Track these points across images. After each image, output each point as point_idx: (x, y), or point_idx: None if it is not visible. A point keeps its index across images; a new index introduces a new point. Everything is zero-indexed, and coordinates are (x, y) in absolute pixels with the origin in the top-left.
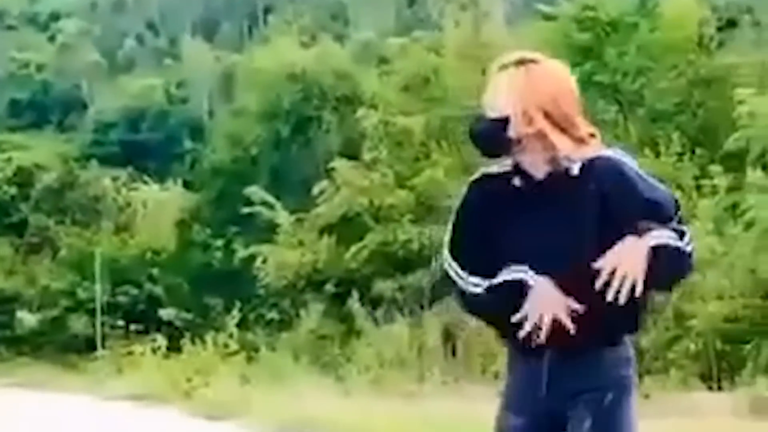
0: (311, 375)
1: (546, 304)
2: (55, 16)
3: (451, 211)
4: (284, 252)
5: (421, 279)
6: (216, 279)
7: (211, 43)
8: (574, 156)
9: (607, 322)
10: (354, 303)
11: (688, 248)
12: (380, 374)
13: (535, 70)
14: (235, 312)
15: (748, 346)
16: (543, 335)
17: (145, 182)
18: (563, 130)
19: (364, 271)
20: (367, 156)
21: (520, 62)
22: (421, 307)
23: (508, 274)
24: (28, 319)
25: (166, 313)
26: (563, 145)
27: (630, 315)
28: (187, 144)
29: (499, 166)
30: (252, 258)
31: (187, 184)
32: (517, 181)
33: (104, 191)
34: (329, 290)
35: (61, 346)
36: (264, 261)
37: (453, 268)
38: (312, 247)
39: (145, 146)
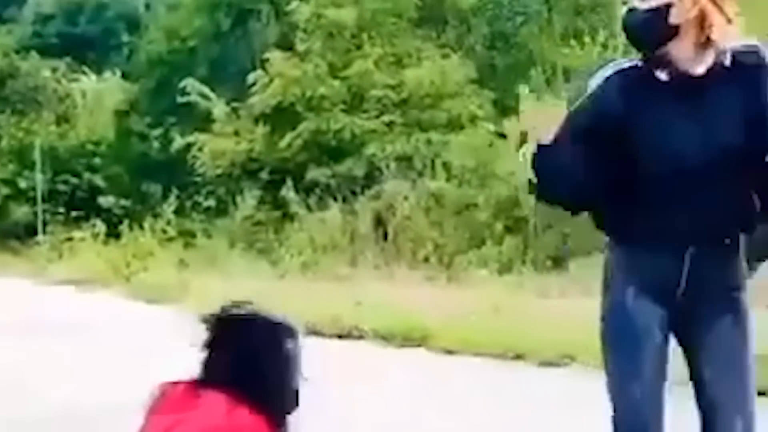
0: (246, 260)
1: None
2: None
3: (381, 100)
4: (220, 141)
5: (352, 167)
6: (154, 168)
7: None
8: (720, 43)
9: (745, 218)
10: (288, 190)
11: None
12: (314, 258)
13: None
14: (173, 199)
15: None
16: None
17: (84, 73)
18: (720, 10)
19: (297, 159)
20: (300, 47)
21: None
22: (354, 194)
23: None
24: None
25: (105, 200)
26: (720, 27)
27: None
28: (125, 36)
29: (632, 60)
30: (189, 147)
31: (125, 76)
32: (663, 75)
33: (44, 82)
34: (264, 178)
35: (2, 233)
36: (200, 149)
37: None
38: (247, 136)
39: (84, 38)
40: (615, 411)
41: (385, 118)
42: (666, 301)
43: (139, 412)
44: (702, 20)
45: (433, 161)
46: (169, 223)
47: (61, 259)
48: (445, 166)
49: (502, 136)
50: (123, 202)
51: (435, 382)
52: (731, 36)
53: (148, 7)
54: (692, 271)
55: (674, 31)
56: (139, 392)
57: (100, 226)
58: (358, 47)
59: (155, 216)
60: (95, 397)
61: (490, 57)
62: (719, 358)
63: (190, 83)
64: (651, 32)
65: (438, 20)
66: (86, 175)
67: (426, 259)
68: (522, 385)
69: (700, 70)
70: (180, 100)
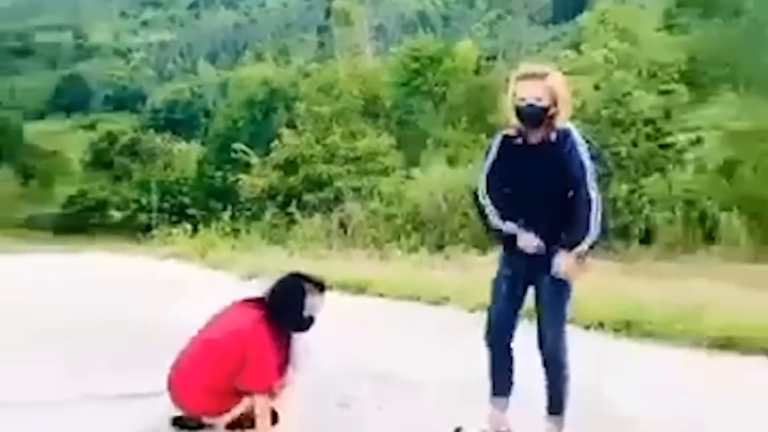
0: (269, 246)
1: (526, 243)
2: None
3: (344, 157)
4: (254, 179)
5: (328, 194)
6: (218, 193)
7: (214, 65)
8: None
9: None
10: (292, 207)
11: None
12: (306, 245)
13: (555, 77)
14: (228, 211)
15: None
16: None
17: (178, 141)
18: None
19: (297, 189)
20: (299, 127)
21: (545, 73)
22: (329, 210)
23: (506, 227)
24: (116, 215)
25: (190, 211)
26: (558, 122)
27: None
28: (203, 119)
29: (507, 129)
30: (237, 181)
31: (203, 143)
32: (519, 141)
33: (157, 145)
34: (279, 199)
35: (133, 230)
36: (243, 183)
37: (487, 205)
38: (269, 176)
39: (179, 121)
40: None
41: (346, 167)
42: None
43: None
44: (552, 117)
45: (371, 191)
46: (225, 225)
47: (167, 245)
48: (380, 194)
49: (411, 177)
50: (201, 212)
51: (370, 315)
52: (555, 127)
53: (215, 104)
54: (534, 255)
55: (543, 117)
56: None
57: (187, 227)
58: (330, 127)
59: (218, 220)
60: (184, 318)
61: (404, 133)
62: (546, 301)
63: (238, 146)
64: (537, 119)
65: (374, 113)
66: (180, 197)
67: (367, 246)
68: (419, 318)
69: (535, 141)
70: (233, 156)
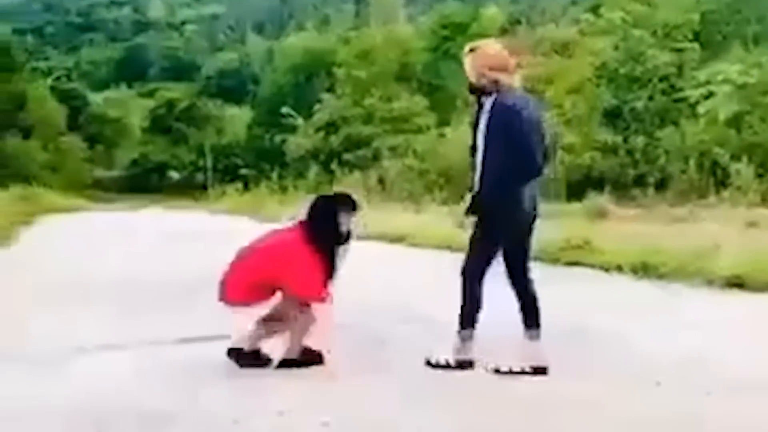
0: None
1: None
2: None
3: (381, 118)
4: (299, 139)
5: (366, 153)
6: (267, 153)
7: (261, 35)
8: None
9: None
10: (335, 165)
11: None
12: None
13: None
14: (276, 170)
15: None
16: None
17: (230, 105)
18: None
19: (338, 149)
20: (338, 91)
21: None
22: (367, 167)
23: None
24: (175, 176)
25: (242, 171)
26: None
27: None
28: (251, 86)
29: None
30: (284, 142)
31: (252, 106)
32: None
33: (210, 110)
34: (321, 158)
35: (191, 188)
36: (289, 144)
37: None
38: (312, 136)
39: (229, 87)
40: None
41: (383, 127)
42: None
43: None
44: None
45: (406, 149)
46: (273, 183)
47: (220, 202)
48: (414, 152)
49: (443, 136)
50: (251, 171)
51: (406, 263)
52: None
53: (263, 69)
54: None
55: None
56: None
57: (239, 185)
58: (368, 90)
59: (268, 178)
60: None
61: (435, 95)
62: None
63: (285, 109)
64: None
65: (409, 76)
66: (232, 158)
67: (403, 199)
68: (451, 265)
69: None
70: (279, 119)
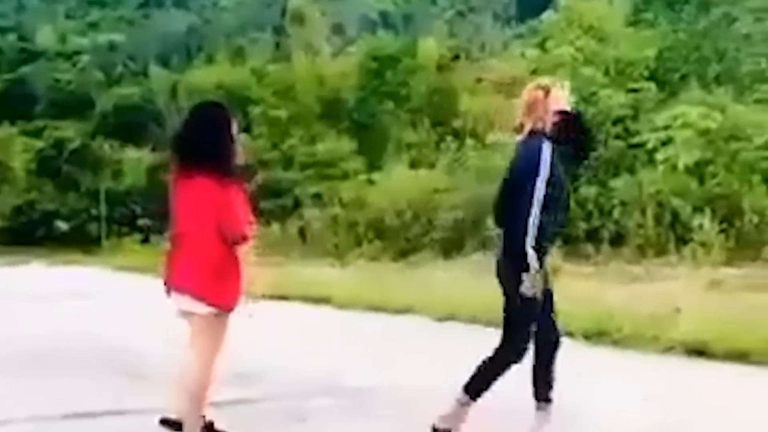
0: None
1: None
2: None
3: (302, 162)
4: None
5: (286, 201)
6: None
7: (165, 68)
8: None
9: None
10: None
11: None
12: (264, 253)
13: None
14: None
15: (468, 236)
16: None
17: (130, 147)
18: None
19: (254, 196)
20: (255, 131)
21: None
22: (287, 217)
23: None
24: (63, 226)
25: (141, 221)
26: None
27: None
28: (152, 127)
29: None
30: None
31: (153, 149)
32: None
33: (105, 153)
34: None
35: (82, 241)
36: None
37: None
38: None
39: (128, 126)
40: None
41: (305, 173)
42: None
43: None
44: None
45: (332, 197)
46: None
47: (115, 256)
48: (340, 200)
49: (372, 182)
50: (153, 222)
51: (332, 327)
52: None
53: (167, 106)
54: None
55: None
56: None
57: (138, 237)
58: (288, 131)
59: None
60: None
61: (364, 136)
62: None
63: None
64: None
65: (333, 115)
66: (130, 206)
67: (327, 254)
68: (383, 328)
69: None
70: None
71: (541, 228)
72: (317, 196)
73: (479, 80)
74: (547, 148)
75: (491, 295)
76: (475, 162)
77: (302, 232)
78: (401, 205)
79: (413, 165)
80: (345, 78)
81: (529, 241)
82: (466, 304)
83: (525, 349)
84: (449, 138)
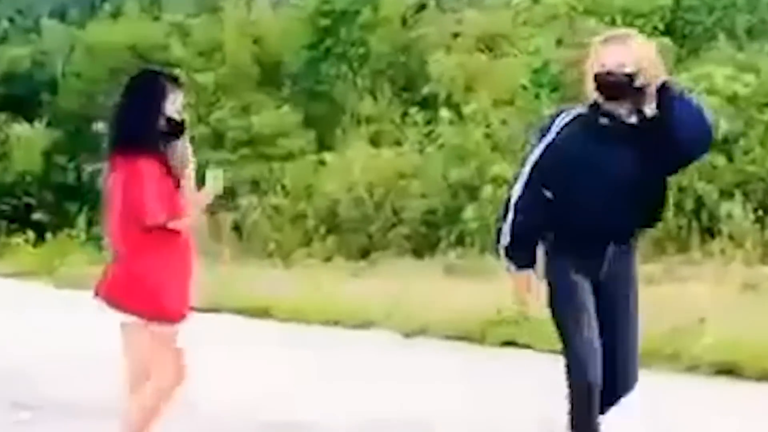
0: None
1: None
2: None
3: (235, 139)
4: None
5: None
6: (72, 189)
7: (63, 22)
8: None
9: (647, 223)
10: None
11: None
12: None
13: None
14: (84, 214)
15: (443, 230)
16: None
17: (19, 123)
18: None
19: None
20: None
21: (627, 35)
22: (221, 208)
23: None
24: None
25: (36, 216)
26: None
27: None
28: (47, 96)
29: (581, 108)
30: (98, 173)
31: (49, 124)
32: (605, 121)
33: None
34: None
35: None
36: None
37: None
38: None
39: (18, 97)
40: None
41: (239, 152)
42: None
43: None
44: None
45: (274, 183)
46: (81, 231)
47: (2, 258)
48: (283, 187)
49: (324, 164)
50: (49, 216)
51: (275, 343)
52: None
53: (64, 74)
54: (612, 261)
55: (636, 92)
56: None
57: (31, 235)
58: (217, 101)
59: (72, 226)
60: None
61: (313, 107)
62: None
63: (99, 127)
64: (621, 89)
65: (273, 81)
66: (21, 198)
67: (269, 254)
68: (338, 347)
69: (633, 120)
70: (91, 141)
71: (544, 222)
72: (254, 182)
73: (455, 36)
74: (561, 121)
75: (472, 303)
76: (451, 138)
77: (237, 227)
78: (360, 191)
79: (374, 142)
80: (288, 35)
81: (503, 238)
82: (441, 315)
83: (578, 369)
84: (418, 108)
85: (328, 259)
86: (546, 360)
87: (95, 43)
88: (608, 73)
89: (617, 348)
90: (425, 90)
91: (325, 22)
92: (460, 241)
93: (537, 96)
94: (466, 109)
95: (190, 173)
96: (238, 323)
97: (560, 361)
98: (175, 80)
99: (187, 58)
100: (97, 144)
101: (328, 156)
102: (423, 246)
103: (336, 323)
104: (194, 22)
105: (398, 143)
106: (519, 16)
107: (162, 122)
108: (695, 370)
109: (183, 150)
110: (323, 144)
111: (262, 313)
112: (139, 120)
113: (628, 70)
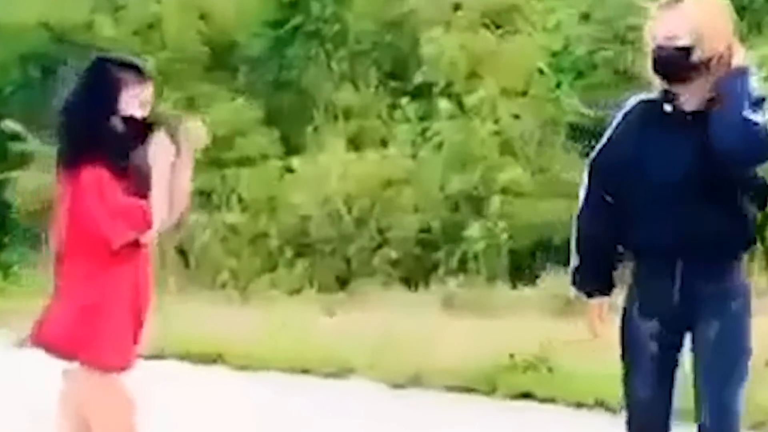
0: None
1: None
2: None
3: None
4: (38, 177)
5: None
6: None
7: None
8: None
9: (731, 234)
10: None
11: None
12: None
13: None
14: None
15: (440, 253)
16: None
17: None
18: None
19: None
20: None
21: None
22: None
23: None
24: None
25: None
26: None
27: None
28: None
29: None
30: (4, 184)
31: None
32: (668, 107)
33: None
34: None
35: None
36: (15, 187)
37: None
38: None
39: None
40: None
41: None
42: (661, 314)
43: None
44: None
45: (228, 195)
46: None
47: None
48: (240, 199)
49: (291, 170)
50: None
51: (229, 397)
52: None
53: None
54: (683, 284)
55: (696, 69)
56: None
57: None
58: (158, 92)
59: None
60: None
61: (278, 99)
62: (707, 363)
63: (7, 125)
64: (675, 67)
65: (229, 67)
66: None
67: (223, 283)
68: (308, 402)
69: (692, 105)
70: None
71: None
72: (204, 194)
73: (456, 8)
74: (624, 110)
75: (478, 345)
76: (451, 136)
77: (182, 252)
78: (336, 205)
79: (354, 143)
80: (244, 9)
81: (572, 259)
82: (439, 360)
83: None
84: (409, 99)
85: (296, 290)
86: (571, 417)
87: (1, 24)
88: (659, 48)
89: (704, 402)
90: (418, 77)
91: None
92: (462, 267)
93: (557, 84)
94: (470, 101)
95: (163, 172)
96: (182, 371)
97: (586, 417)
98: (134, 69)
99: (118, 39)
100: (3, 147)
101: (296, 161)
102: (416, 273)
103: (305, 371)
104: None
105: (385, 144)
106: None
107: (117, 123)
108: (763, 426)
109: (157, 152)
110: (290, 145)
111: (213, 358)
112: (85, 123)
113: (681, 42)
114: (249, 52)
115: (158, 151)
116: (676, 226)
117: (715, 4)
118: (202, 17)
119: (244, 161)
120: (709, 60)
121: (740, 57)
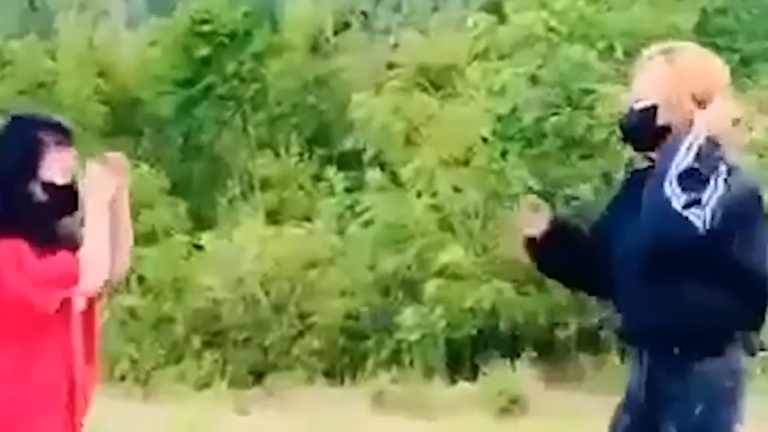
0: None
1: None
2: None
3: None
4: None
5: None
6: None
7: None
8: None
9: (703, 330)
10: None
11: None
12: None
13: (680, 58)
14: None
15: (370, 342)
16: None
17: None
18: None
19: None
20: None
21: (656, 53)
22: None
23: None
24: None
25: None
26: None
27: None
28: None
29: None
30: None
31: None
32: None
33: None
34: None
35: None
36: None
37: None
38: None
39: None
40: None
41: None
42: (633, 410)
43: None
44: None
45: (128, 275)
46: None
47: None
48: (141, 280)
49: (200, 248)
50: None
51: None
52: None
53: None
54: (649, 380)
55: (663, 132)
56: None
57: None
58: None
59: None
60: None
61: (186, 167)
62: None
63: None
64: (639, 131)
65: (131, 129)
66: None
67: (120, 376)
68: None
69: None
70: None
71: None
72: None
73: (390, 66)
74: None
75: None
76: (383, 212)
77: None
78: (251, 287)
79: (273, 217)
80: (149, 65)
81: None
82: None
83: None
84: (336, 169)
85: (205, 384)
86: None
87: None
88: (628, 111)
89: None
90: (346, 144)
91: (203, 49)
92: (394, 359)
93: (503, 153)
94: (405, 171)
95: (99, 211)
96: None
97: None
98: (57, 129)
99: (5, 96)
100: None
101: (206, 236)
102: (342, 366)
103: None
104: (16, 47)
105: (308, 218)
106: (478, 41)
107: (36, 191)
108: None
109: (90, 189)
110: (200, 219)
111: None
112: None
113: (645, 103)
114: (154, 112)
115: (92, 187)
116: (641, 309)
117: (695, 58)
118: (101, 74)
119: (147, 237)
120: (673, 125)
121: (714, 115)
